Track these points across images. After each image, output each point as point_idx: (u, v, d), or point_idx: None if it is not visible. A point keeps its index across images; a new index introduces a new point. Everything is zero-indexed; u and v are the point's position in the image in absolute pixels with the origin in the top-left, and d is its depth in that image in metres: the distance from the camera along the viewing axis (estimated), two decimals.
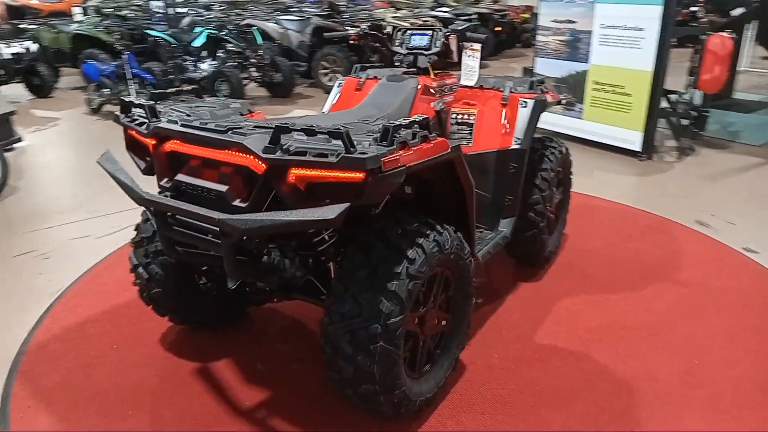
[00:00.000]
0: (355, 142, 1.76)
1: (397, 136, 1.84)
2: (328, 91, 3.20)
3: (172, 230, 2.08)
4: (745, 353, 2.62)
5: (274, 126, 1.80)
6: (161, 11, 10.03)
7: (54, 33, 9.44)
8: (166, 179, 2.11)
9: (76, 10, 9.65)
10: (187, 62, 8.42)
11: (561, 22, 5.94)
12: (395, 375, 1.96)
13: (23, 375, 2.51)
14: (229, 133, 1.90)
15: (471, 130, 3.00)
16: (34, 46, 8.43)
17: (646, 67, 5.26)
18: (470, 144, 2.99)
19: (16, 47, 8.14)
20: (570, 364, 2.56)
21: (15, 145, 6.30)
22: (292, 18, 9.51)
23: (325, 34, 3.37)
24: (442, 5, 12.11)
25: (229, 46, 8.02)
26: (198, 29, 8.50)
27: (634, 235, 3.87)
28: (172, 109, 2.23)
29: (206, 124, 1.96)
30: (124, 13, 11.80)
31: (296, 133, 1.83)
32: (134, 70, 7.15)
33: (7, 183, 4.67)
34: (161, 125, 2.03)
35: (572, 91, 5.94)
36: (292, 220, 1.71)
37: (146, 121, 2.10)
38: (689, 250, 3.64)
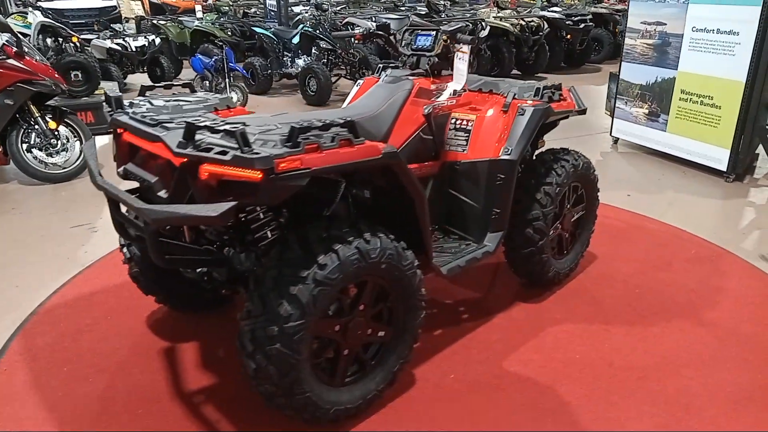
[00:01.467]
0: (253, 142, 1.77)
1: (305, 138, 1.82)
2: None
3: (119, 214, 2.23)
4: (746, 422, 2.21)
5: (185, 122, 1.86)
6: (274, 9, 10.64)
7: (179, 28, 10.39)
8: (122, 168, 2.27)
9: (198, 8, 10.60)
10: (285, 58, 8.86)
11: (650, 23, 5.41)
12: (295, 379, 1.93)
13: (25, 332, 2.82)
14: (157, 127, 1.99)
15: (468, 136, 2.86)
16: (157, 40, 9.33)
17: (738, 76, 4.63)
18: (465, 151, 2.84)
19: (141, 40, 9.06)
20: (528, 397, 2.34)
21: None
22: (391, 16, 9.61)
23: (333, 33, 3.36)
24: (555, 5, 11.50)
25: (322, 44, 8.30)
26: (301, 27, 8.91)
27: (676, 265, 3.44)
28: (148, 101, 2.39)
29: (145, 117, 2.08)
30: (252, 11, 12.70)
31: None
32: (231, 65, 7.66)
33: None
34: (115, 116, 2.18)
35: (657, 99, 5.42)
36: (182, 215, 1.76)
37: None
38: (734, 288, 3.16)
